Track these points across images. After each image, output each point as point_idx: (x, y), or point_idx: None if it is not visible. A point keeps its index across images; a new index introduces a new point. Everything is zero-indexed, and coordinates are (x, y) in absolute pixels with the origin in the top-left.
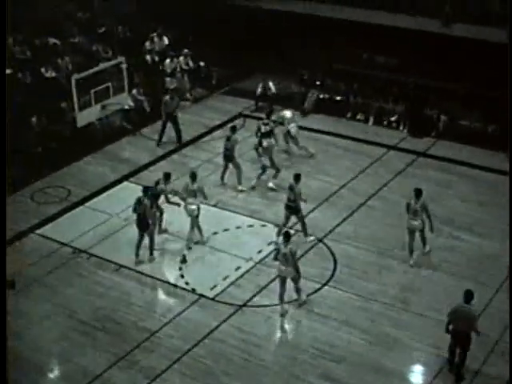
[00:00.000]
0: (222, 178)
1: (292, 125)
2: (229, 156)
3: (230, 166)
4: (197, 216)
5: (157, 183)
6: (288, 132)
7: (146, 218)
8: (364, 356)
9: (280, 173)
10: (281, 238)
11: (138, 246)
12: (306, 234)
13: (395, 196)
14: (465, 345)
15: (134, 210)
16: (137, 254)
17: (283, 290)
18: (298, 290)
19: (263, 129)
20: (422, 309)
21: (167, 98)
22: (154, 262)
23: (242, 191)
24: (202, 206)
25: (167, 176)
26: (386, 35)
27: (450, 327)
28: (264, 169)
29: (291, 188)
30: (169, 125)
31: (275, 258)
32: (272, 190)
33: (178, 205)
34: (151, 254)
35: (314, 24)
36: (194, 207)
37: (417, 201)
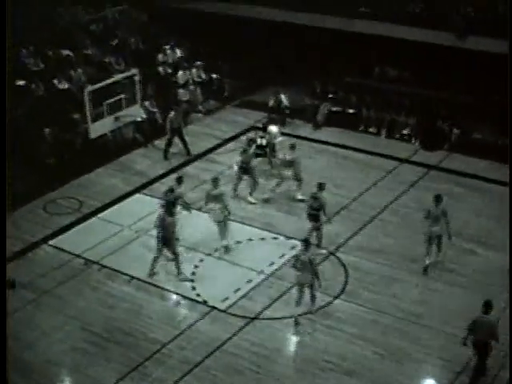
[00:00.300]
0: (235, 189)
1: (278, 139)
2: (245, 169)
3: (244, 178)
4: (222, 221)
5: (171, 190)
6: (273, 146)
7: (167, 232)
8: (375, 369)
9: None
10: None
11: (155, 260)
12: (320, 245)
13: (407, 209)
14: (485, 354)
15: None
16: (152, 269)
17: (301, 296)
18: (313, 297)
19: (259, 141)
20: (434, 322)
21: (172, 114)
22: (187, 280)
23: (252, 203)
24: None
25: (180, 180)
26: (398, 48)
27: (470, 338)
28: (281, 181)
29: (315, 197)
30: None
31: (293, 266)
32: (300, 201)
33: (190, 210)
34: (180, 272)
35: (326, 37)
36: (218, 212)
37: (437, 207)
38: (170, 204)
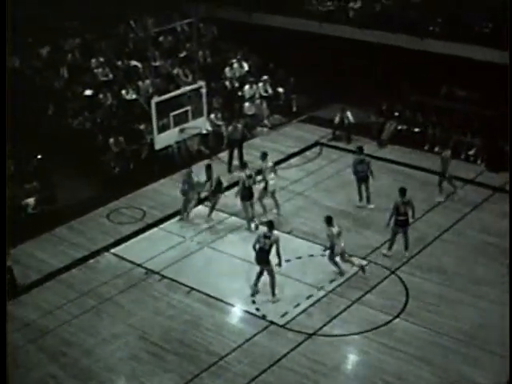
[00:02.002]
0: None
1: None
2: (363, 177)
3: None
4: (274, 191)
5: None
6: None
7: (266, 253)
8: None
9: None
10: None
11: (257, 282)
12: (407, 248)
13: (470, 230)
14: None
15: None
16: (255, 290)
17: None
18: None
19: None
20: (495, 346)
21: (230, 128)
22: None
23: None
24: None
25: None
26: (466, 68)
27: None
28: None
29: (404, 202)
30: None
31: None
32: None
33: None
34: (273, 294)
35: (394, 55)
36: (272, 182)
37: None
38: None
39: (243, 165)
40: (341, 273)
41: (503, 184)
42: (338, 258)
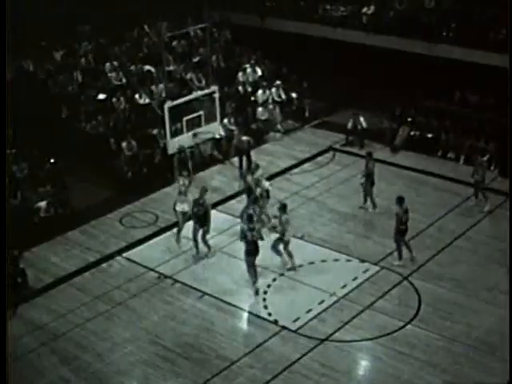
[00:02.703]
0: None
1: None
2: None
3: None
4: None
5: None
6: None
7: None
8: None
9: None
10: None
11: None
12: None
13: (483, 237)
14: None
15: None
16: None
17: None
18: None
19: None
20: (507, 352)
21: (235, 139)
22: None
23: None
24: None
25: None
26: (479, 73)
27: None
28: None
29: (404, 211)
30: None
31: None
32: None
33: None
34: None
35: (407, 60)
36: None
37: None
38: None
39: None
40: (290, 265)
41: None
42: (281, 247)
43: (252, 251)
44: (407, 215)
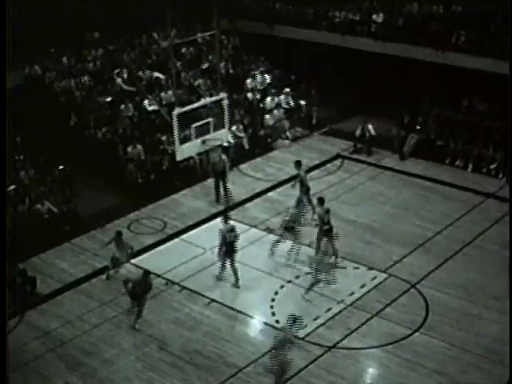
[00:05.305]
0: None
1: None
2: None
3: None
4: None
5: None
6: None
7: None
8: None
9: None
10: None
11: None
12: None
13: (491, 245)
14: None
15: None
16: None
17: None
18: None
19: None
20: None
21: (215, 157)
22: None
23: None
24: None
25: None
26: (488, 81)
27: None
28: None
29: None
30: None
31: None
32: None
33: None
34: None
35: (416, 68)
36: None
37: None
38: None
39: (225, 217)
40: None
41: None
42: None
43: (229, 252)
44: (328, 215)
